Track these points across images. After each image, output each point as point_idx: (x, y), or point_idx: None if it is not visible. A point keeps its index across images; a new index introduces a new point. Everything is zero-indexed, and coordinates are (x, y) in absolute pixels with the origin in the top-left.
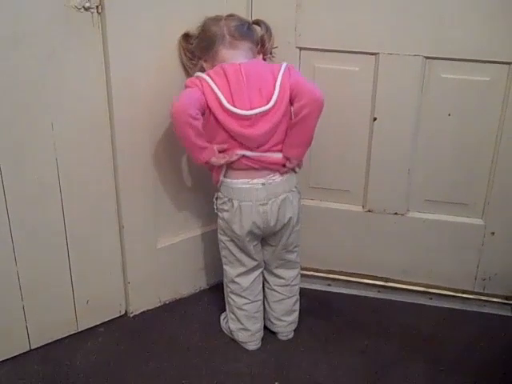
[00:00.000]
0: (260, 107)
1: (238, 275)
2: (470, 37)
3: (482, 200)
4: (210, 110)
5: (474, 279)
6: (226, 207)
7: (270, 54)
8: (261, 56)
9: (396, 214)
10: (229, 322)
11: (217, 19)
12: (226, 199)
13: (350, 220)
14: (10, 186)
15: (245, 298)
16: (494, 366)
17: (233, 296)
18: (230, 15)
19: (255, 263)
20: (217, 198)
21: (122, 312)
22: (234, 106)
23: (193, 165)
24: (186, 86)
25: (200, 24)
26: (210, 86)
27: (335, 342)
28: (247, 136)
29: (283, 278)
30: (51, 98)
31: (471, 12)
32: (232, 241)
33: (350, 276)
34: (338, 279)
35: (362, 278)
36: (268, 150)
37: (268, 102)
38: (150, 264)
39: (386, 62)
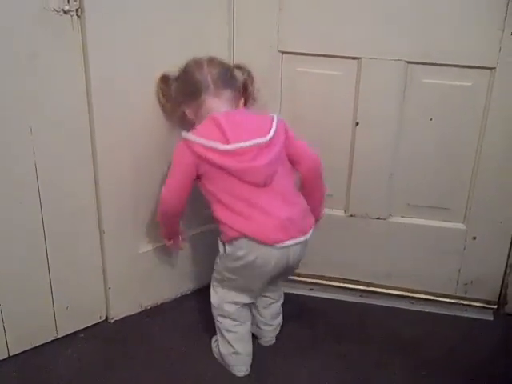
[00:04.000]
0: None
1: (231, 303)
2: (451, 42)
3: (464, 205)
4: (209, 163)
5: (456, 283)
6: None
7: (253, 99)
8: (242, 101)
9: (378, 218)
10: (220, 347)
11: (199, 64)
12: None
13: (332, 224)
14: None
15: (234, 320)
16: (476, 371)
17: (220, 318)
18: (211, 59)
19: (254, 300)
20: None
21: (103, 317)
22: (230, 144)
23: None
24: (174, 157)
25: (181, 67)
26: (201, 145)
27: (317, 346)
28: (251, 168)
29: (276, 285)
30: (30, 101)
31: (453, 17)
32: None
33: (332, 281)
34: (320, 284)
35: (344, 283)
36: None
37: (265, 136)
38: (131, 269)
39: (368, 67)
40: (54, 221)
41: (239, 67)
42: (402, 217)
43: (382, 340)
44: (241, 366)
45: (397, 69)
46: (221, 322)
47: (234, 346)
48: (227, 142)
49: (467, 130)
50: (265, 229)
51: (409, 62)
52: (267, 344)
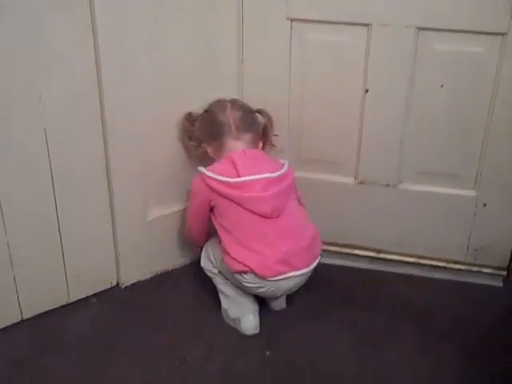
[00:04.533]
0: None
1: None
2: (462, 7)
3: (475, 171)
4: (220, 195)
5: (466, 250)
6: None
7: (271, 142)
8: (261, 144)
9: (388, 185)
10: (222, 303)
11: (222, 106)
12: None
13: (341, 192)
14: None
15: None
16: (485, 336)
17: (210, 274)
18: (234, 101)
19: None
20: None
21: (114, 283)
22: (240, 177)
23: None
24: (192, 189)
25: (205, 108)
26: (214, 179)
27: (326, 313)
28: (258, 198)
29: None
30: (38, 69)
31: None
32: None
33: (341, 247)
34: (330, 250)
35: (353, 249)
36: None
37: (275, 172)
38: (141, 236)
39: (378, 33)
40: (64, 187)
41: (260, 111)
42: (412, 184)
43: (391, 306)
44: (246, 318)
45: (407, 35)
46: (212, 276)
47: (230, 296)
48: (238, 176)
49: (478, 96)
50: (268, 262)
51: (419, 28)
52: (278, 308)
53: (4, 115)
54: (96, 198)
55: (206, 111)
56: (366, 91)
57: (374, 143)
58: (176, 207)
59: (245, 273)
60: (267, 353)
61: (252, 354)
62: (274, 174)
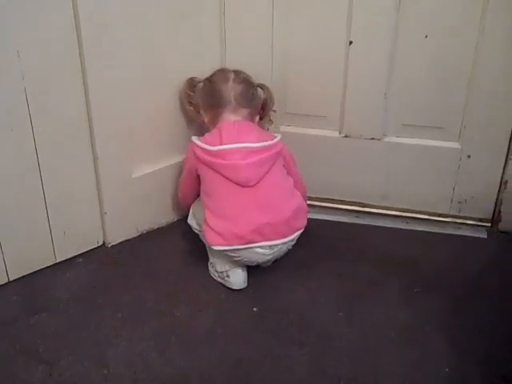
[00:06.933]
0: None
1: None
2: None
3: (459, 123)
4: (202, 163)
5: (450, 202)
6: None
7: (269, 118)
8: (258, 117)
9: (373, 138)
10: (210, 257)
11: (225, 78)
12: None
13: (326, 146)
14: None
15: None
16: (468, 286)
17: (195, 230)
18: (238, 74)
19: None
20: None
21: (100, 242)
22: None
23: (169, 92)
24: (185, 157)
25: (208, 76)
26: (199, 147)
27: (313, 266)
28: (232, 165)
29: None
30: (16, 24)
31: None
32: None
33: (327, 202)
34: (316, 205)
35: (339, 204)
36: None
37: (255, 142)
38: (126, 194)
39: None
40: (47, 147)
41: (262, 86)
42: (397, 137)
43: (376, 259)
44: (234, 272)
45: None
46: (198, 233)
47: None
48: (221, 144)
49: (463, 46)
50: (239, 231)
51: None
52: (265, 265)
53: None
54: (79, 156)
55: (208, 80)
56: (350, 43)
57: (358, 96)
58: (162, 164)
59: (215, 246)
60: (254, 309)
61: (239, 310)
62: (253, 144)
